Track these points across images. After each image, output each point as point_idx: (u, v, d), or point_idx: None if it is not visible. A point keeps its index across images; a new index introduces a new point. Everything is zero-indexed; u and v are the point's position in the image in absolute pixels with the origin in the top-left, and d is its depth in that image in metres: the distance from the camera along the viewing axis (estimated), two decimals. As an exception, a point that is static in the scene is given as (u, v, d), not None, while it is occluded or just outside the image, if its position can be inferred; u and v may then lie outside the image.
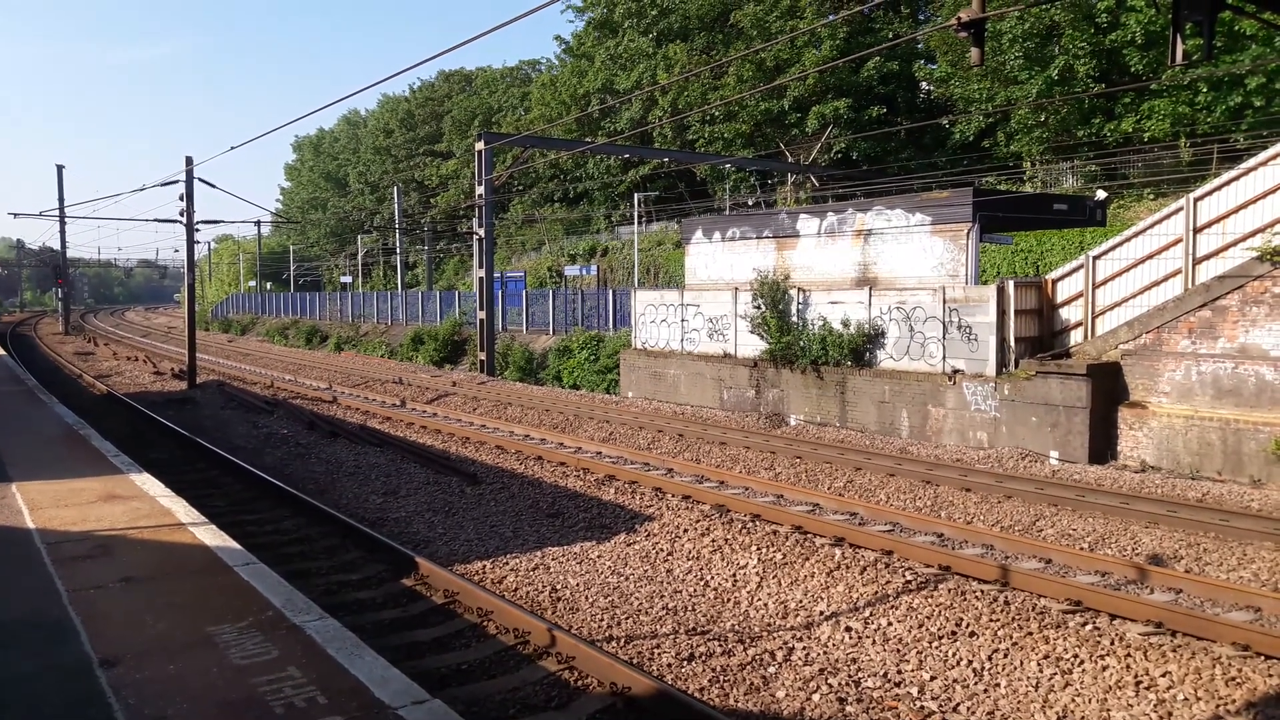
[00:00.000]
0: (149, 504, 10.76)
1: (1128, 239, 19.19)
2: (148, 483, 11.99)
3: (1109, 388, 17.86)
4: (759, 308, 24.44)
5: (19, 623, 6.92)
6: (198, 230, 32.06)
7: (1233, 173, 17.69)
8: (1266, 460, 15.56)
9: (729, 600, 10.37)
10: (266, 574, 8.18)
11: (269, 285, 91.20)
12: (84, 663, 6.17)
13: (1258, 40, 27.97)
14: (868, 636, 9.22)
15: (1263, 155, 17.20)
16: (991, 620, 9.34)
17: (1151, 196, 31.77)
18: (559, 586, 10.76)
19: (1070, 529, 13.11)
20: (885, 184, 38.49)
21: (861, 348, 22.11)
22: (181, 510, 10.45)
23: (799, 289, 24.02)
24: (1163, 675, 8.13)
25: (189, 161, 30.85)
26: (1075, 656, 8.53)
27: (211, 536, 9.34)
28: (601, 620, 9.71)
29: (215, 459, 18.05)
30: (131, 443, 18.85)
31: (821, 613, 9.87)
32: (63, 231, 61.38)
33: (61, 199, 60.06)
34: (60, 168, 60.74)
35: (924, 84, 44.20)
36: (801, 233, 24.71)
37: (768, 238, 25.72)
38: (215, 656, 6.27)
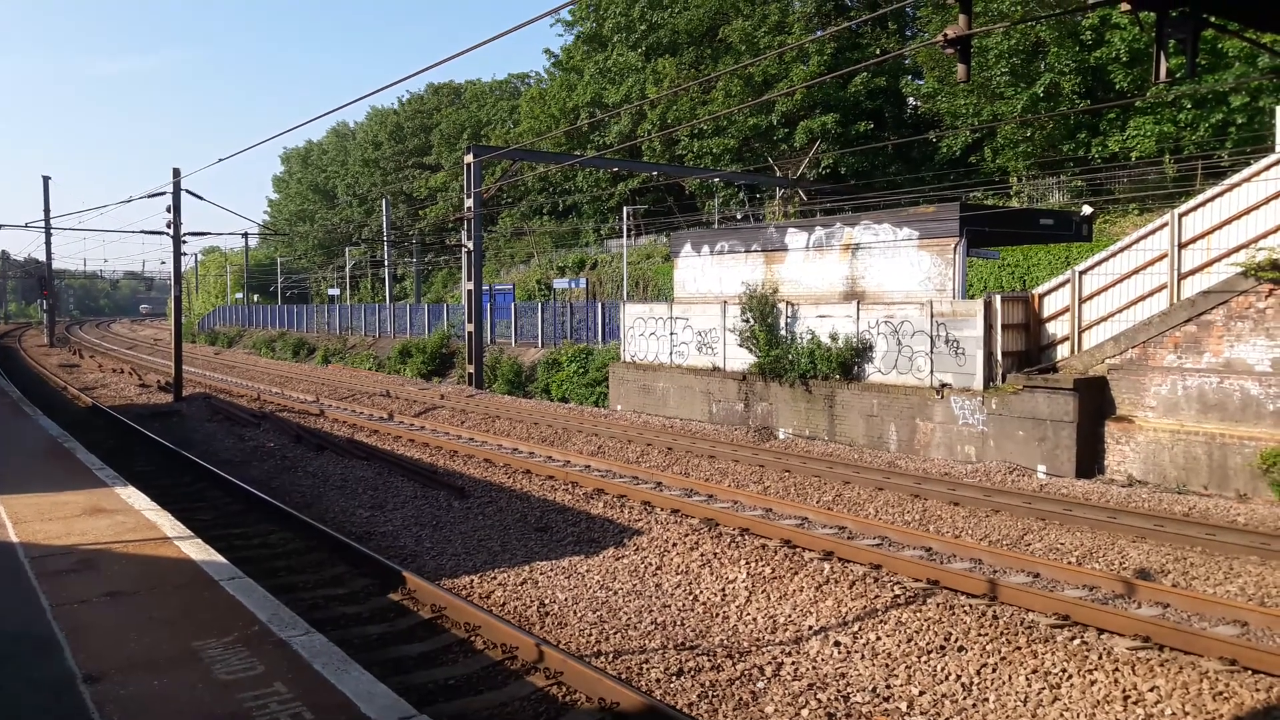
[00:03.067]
0: (134, 518, 10.68)
1: (1113, 254, 19.32)
2: (133, 496, 11.91)
3: (1096, 402, 17.94)
4: (748, 321, 24.48)
5: (2, 638, 6.85)
6: (185, 242, 31.97)
7: (1216, 189, 17.84)
8: (1252, 474, 15.64)
9: (718, 615, 10.35)
10: (253, 588, 8.13)
11: (256, 297, 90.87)
12: (67, 678, 6.11)
13: (1241, 59, 28.26)
14: (856, 651, 9.21)
15: (1246, 172, 17.35)
16: (980, 634, 9.34)
17: (1137, 212, 32.00)
18: (547, 601, 10.71)
19: (1058, 543, 13.14)
20: (873, 198, 38.68)
21: (850, 361, 22.16)
22: (167, 524, 10.39)
23: (787, 303, 24.08)
24: (1150, 690, 8.15)
25: (176, 173, 30.78)
26: (1063, 671, 8.54)
27: (197, 550, 9.28)
28: (590, 635, 9.67)
29: (201, 472, 17.95)
30: (117, 456, 18.73)
31: (810, 627, 9.86)
32: (48, 243, 61.11)
33: (47, 210, 59.85)
34: (46, 179, 60.57)
35: (911, 99, 44.49)
36: (790, 247, 24.79)
37: (756, 251, 25.79)
38: (200, 672, 6.22)
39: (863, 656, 9.09)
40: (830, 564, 11.76)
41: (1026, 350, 20.25)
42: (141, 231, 40.02)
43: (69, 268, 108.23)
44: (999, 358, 19.66)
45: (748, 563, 11.79)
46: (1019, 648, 9.02)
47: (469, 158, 34.84)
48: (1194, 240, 17.89)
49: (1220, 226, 17.49)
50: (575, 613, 10.33)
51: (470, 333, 35.31)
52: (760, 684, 8.46)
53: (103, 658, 6.46)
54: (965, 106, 36.82)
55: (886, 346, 21.61)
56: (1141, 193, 32.00)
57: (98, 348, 69.05)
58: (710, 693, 8.24)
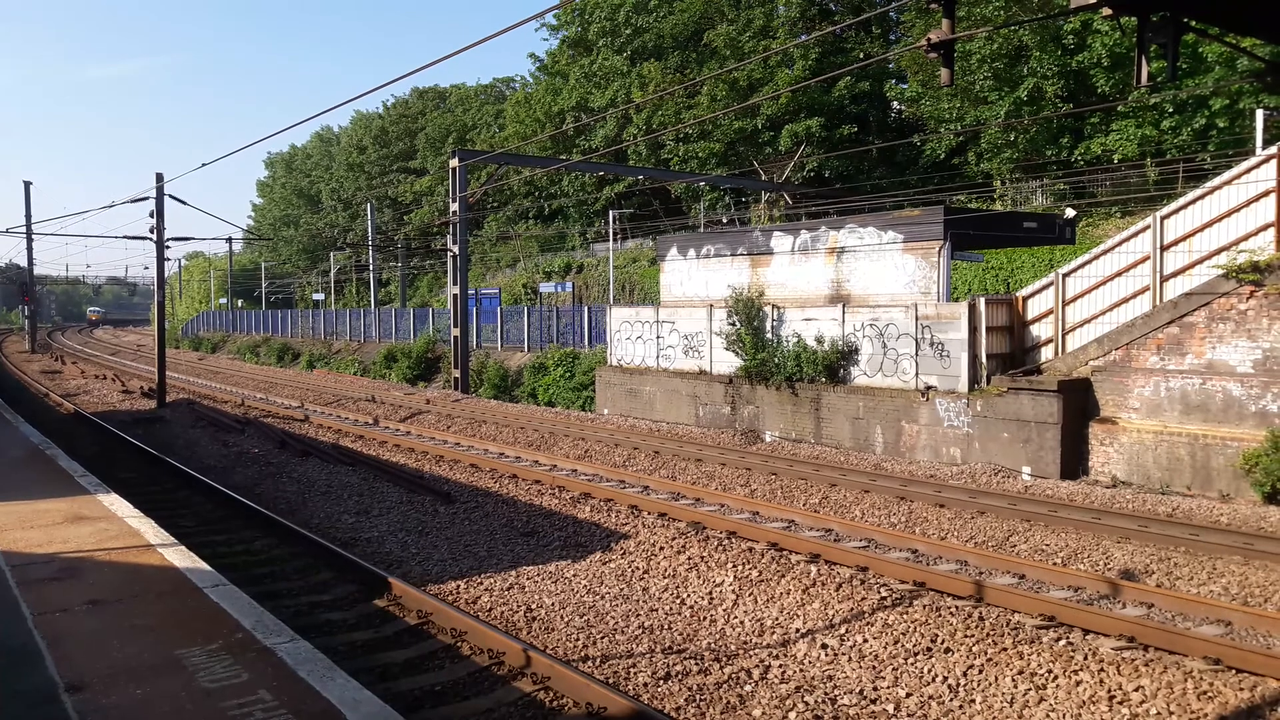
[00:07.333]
0: (117, 525, 10.60)
1: (1097, 256, 19.44)
2: (116, 503, 11.82)
3: (1080, 404, 18.04)
4: (734, 324, 24.52)
5: (-19, 648, 6.78)
6: (168, 247, 31.79)
7: (1198, 192, 17.99)
8: (1234, 475, 15.76)
9: (705, 618, 10.34)
10: (237, 595, 8.08)
11: (240, 302, 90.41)
12: (49, 688, 6.05)
13: (1220, 63, 28.51)
14: (844, 653, 9.22)
15: (1226, 175, 17.50)
16: (966, 636, 9.36)
17: (1119, 215, 32.21)
18: (534, 606, 10.68)
19: (1043, 544, 13.20)
20: (858, 202, 38.80)
21: (835, 364, 22.21)
22: (150, 531, 10.31)
23: (773, 306, 24.13)
24: (1135, 690, 8.19)
25: (159, 178, 30.61)
26: (1049, 672, 8.57)
27: (181, 558, 9.22)
28: (577, 640, 9.65)
29: (185, 479, 17.82)
30: (99, 463, 18.58)
31: (798, 630, 9.86)
32: (30, 248, 60.60)
33: (29, 215, 59.37)
34: (28, 184, 60.06)
35: (895, 103, 44.69)
36: (775, 250, 24.84)
37: (742, 255, 25.84)
38: (184, 680, 6.17)
39: (850, 659, 9.10)
40: (817, 566, 11.78)
41: (1011, 352, 20.35)
42: (124, 236, 39.78)
43: (51, 273, 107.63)
44: (983, 360, 19.75)
45: (735, 566, 11.80)
46: (1005, 649, 9.05)
47: (454, 162, 34.77)
48: (1176, 243, 18.03)
49: (1202, 229, 17.62)
50: (562, 617, 10.30)
51: (456, 337, 35.22)
52: (747, 687, 8.46)
53: (85, 667, 6.40)
54: (949, 110, 37.00)
55: (872, 349, 21.67)
56: (1124, 196, 32.23)
57: (80, 353, 68.54)
58: (697, 696, 8.23)
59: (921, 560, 12.33)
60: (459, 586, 11.42)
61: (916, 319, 20.71)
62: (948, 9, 7.25)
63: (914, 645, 9.28)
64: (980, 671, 8.68)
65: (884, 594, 10.63)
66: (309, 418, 27.68)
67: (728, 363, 25.05)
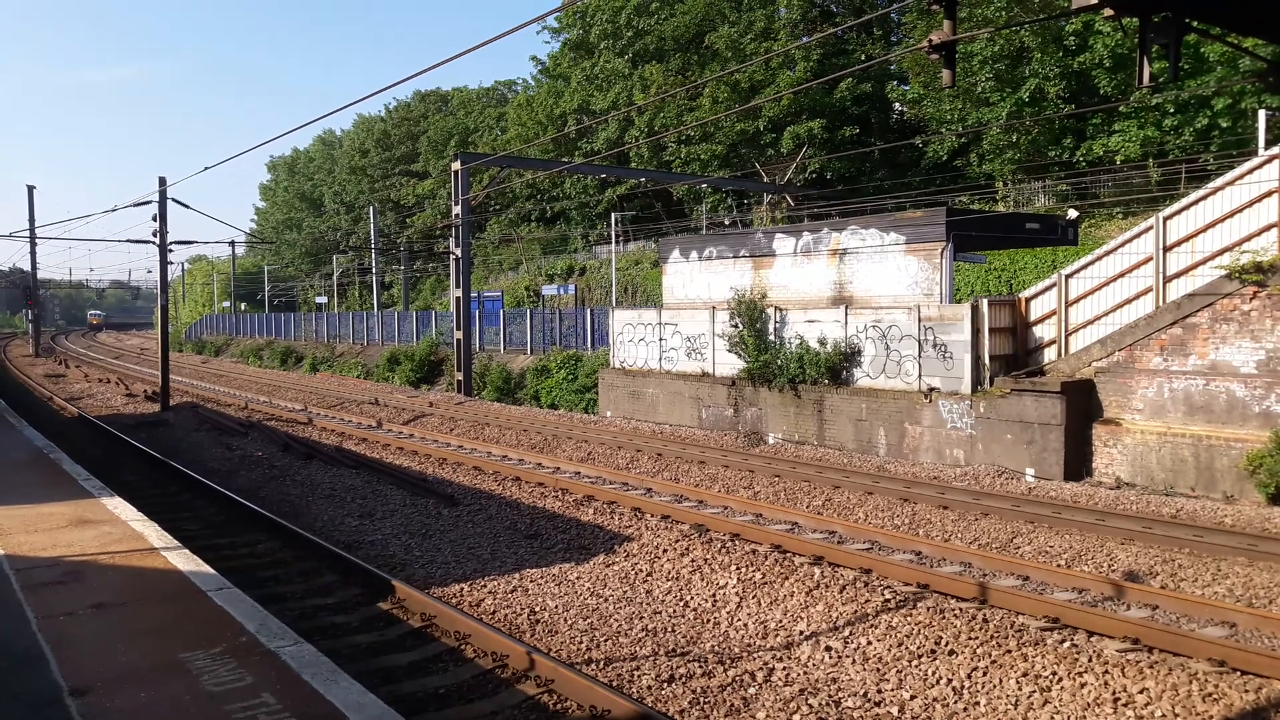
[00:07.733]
0: (121, 528, 10.62)
1: (1099, 257, 19.41)
2: (119, 507, 11.84)
3: (1083, 405, 18.01)
4: (736, 326, 24.52)
5: (-14, 652, 6.78)
6: (171, 251, 31.83)
7: (1201, 192, 17.96)
8: (1238, 476, 15.72)
9: (709, 621, 10.33)
10: (240, 599, 8.09)
11: (243, 306, 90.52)
12: (53, 691, 6.06)
13: (1222, 63, 28.50)
14: (847, 656, 9.21)
15: (1229, 175, 17.48)
16: (970, 638, 9.35)
17: (1122, 216, 32.20)
18: (537, 608, 10.68)
19: (1047, 546, 13.18)
20: (860, 203, 38.79)
21: (838, 366, 22.20)
22: (154, 534, 10.32)
23: (776, 308, 24.12)
24: (1140, 692, 8.17)
25: (162, 182, 30.67)
26: (1054, 674, 8.56)
27: (184, 561, 9.23)
28: (581, 642, 9.64)
29: (188, 482, 17.85)
30: (103, 466, 18.61)
31: (801, 632, 9.85)
32: (33, 252, 60.77)
33: (32, 220, 59.52)
34: (31, 188, 60.20)
35: (897, 105, 44.69)
36: (778, 252, 24.84)
37: (744, 257, 25.83)
38: (188, 684, 6.18)
39: (854, 661, 9.09)
40: (820, 569, 11.76)
41: (1014, 354, 20.33)
42: (127, 240, 39.86)
43: (54, 277, 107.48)
44: (986, 361, 19.73)
45: (738, 568, 11.79)
46: (1009, 651, 9.04)
47: (456, 165, 34.79)
48: (1179, 243, 18.00)
49: (1205, 229, 17.60)
50: (566, 620, 10.30)
51: (459, 340, 35.24)
52: (751, 690, 8.45)
53: (89, 670, 6.41)
54: (951, 112, 36.99)
55: (875, 351, 21.66)
56: (1126, 196, 32.21)
57: (84, 357, 68.62)
58: (701, 699, 8.23)
59: (925, 562, 12.31)
60: (462, 589, 11.42)
61: (919, 320, 20.70)
62: (949, 10, 7.24)
63: (918, 647, 9.26)
64: (984, 674, 8.67)
65: (888, 596, 10.61)
66: (312, 421, 27.70)
67: (730, 365, 25.04)
